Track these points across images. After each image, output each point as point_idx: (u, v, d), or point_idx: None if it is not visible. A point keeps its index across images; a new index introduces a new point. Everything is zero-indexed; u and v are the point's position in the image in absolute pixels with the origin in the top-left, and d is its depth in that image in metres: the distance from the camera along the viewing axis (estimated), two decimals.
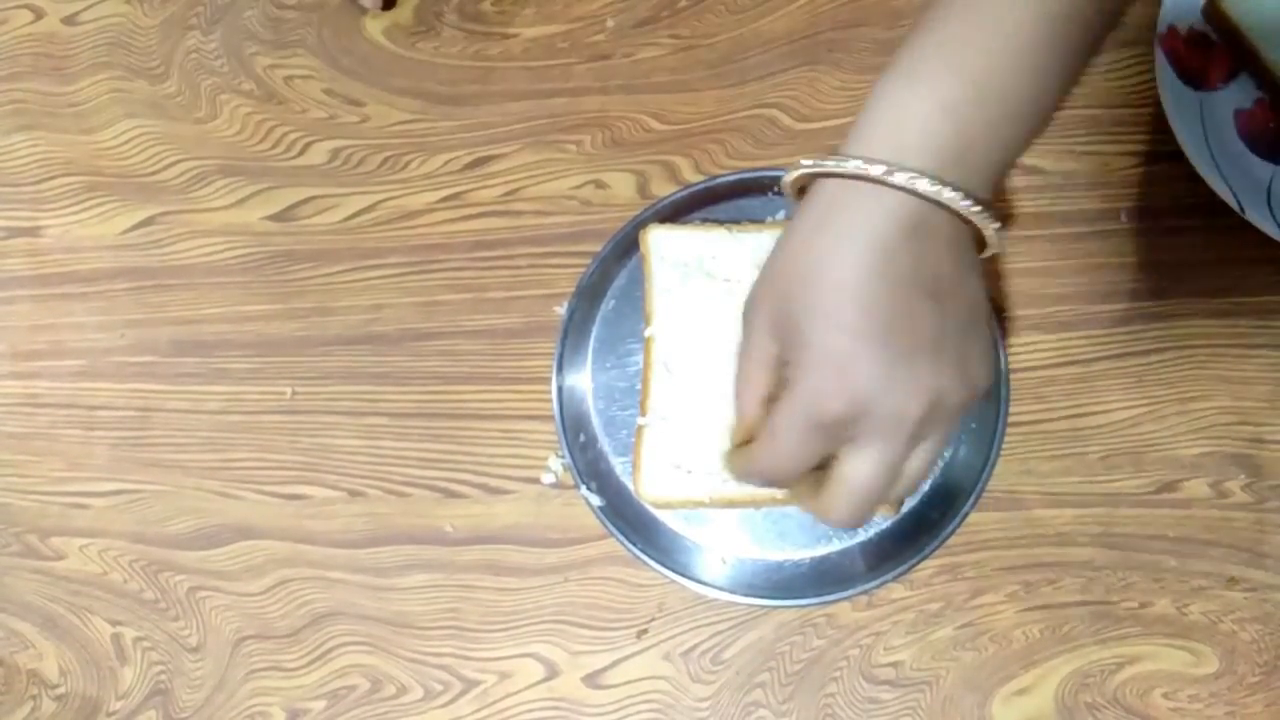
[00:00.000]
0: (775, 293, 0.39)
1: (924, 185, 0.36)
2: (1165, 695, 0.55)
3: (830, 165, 0.38)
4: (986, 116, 0.37)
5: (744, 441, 0.42)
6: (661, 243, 0.58)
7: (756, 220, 0.59)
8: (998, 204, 0.37)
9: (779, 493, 0.53)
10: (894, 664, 0.56)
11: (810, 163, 0.39)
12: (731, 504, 0.56)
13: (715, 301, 0.57)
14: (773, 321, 0.40)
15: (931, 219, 0.37)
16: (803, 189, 0.40)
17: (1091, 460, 0.57)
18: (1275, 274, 0.57)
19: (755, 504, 0.56)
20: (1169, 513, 0.56)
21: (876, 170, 0.36)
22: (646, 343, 0.57)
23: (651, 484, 0.56)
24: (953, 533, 0.55)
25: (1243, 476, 0.56)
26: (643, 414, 0.56)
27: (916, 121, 0.37)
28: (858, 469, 0.39)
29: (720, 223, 0.59)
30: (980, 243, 0.39)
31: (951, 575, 0.57)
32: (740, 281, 0.57)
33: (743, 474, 0.42)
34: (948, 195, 0.36)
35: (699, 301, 0.57)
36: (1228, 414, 0.57)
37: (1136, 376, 0.57)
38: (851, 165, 0.37)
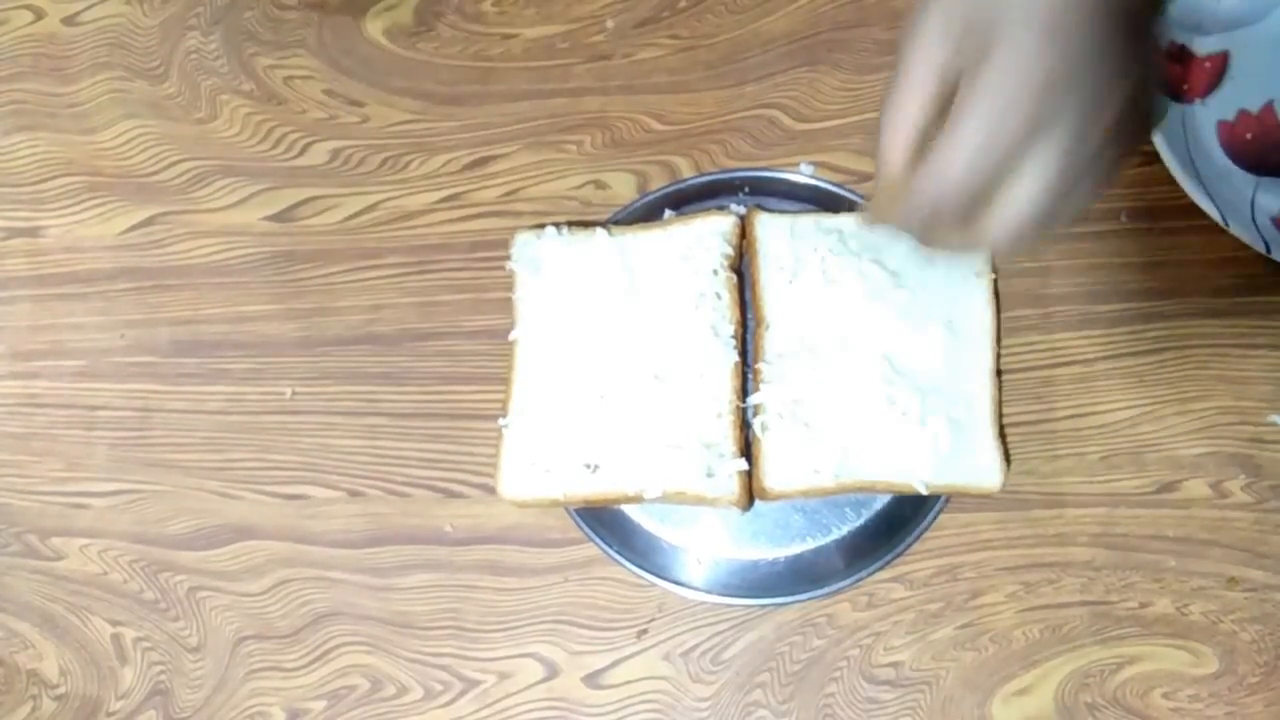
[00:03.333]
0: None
1: None
2: (1165, 695, 0.55)
3: None
4: None
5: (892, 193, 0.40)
6: (527, 247, 0.59)
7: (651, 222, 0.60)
8: None
9: (640, 490, 0.54)
10: (894, 664, 0.56)
11: None
12: (587, 502, 0.56)
13: (576, 306, 0.58)
14: (953, 28, 0.37)
15: None
16: None
17: (1091, 460, 0.57)
18: (1275, 274, 0.57)
19: (609, 502, 0.56)
20: (1169, 513, 0.56)
21: None
22: (511, 346, 0.58)
23: (511, 483, 0.56)
24: (928, 528, 0.55)
25: (1243, 476, 0.56)
26: (505, 415, 0.57)
27: None
28: (1040, 174, 0.37)
29: (598, 224, 0.60)
30: None
31: (951, 575, 0.57)
32: (605, 284, 0.58)
33: (907, 200, 0.39)
34: None
35: (561, 306, 0.58)
36: (1228, 414, 0.57)
37: (1136, 376, 0.57)
38: None
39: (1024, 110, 0.36)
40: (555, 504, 0.56)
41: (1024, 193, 0.37)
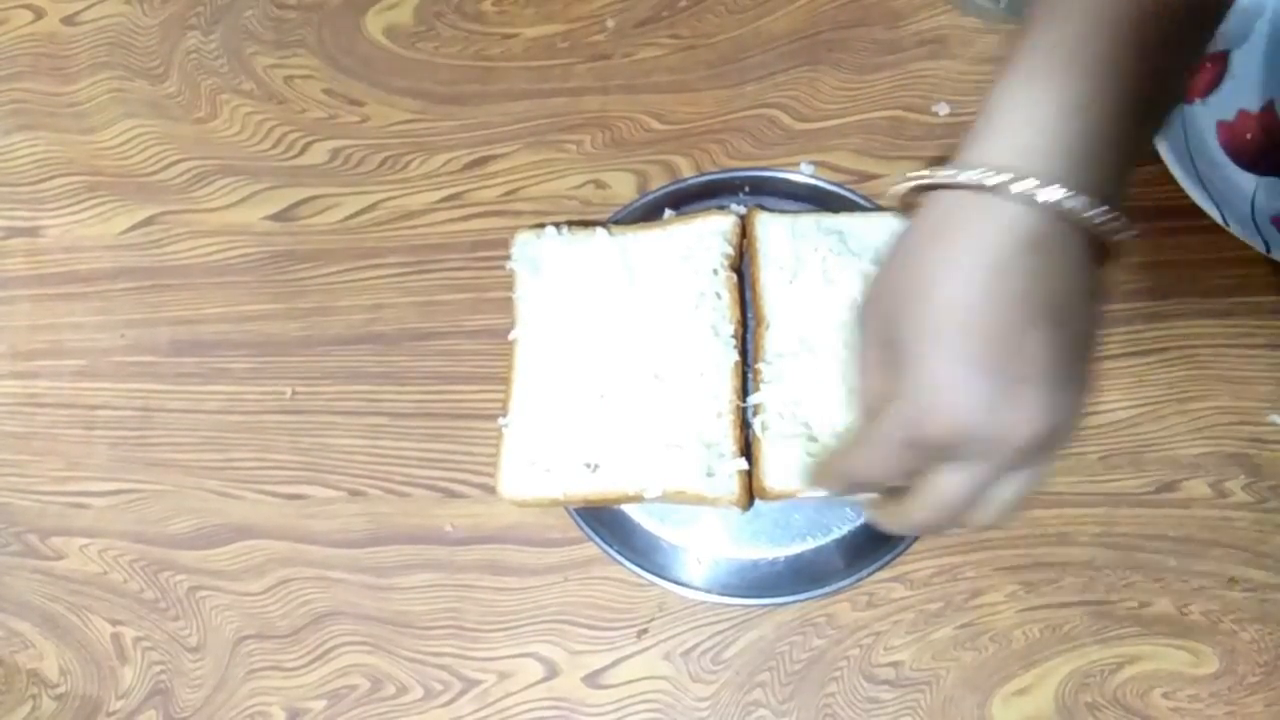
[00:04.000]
0: (882, 307, 0.37)
1: (1048, 193, 0.33)
2: (1165, 695, 0.55)
3: (943, 176, 0.35)
4: (1117, 111, 0.34)
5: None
6: (527, 247, 0.59)
7: (646, 221, 0.60)
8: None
9: (640, 490, 0.54)
10: (894, 664, 0.56)
11: (922, 174, 0.36)
12: (587, 502, 0.56)
13: (576, 305, 0.58)
14: (879, 335, 0.38)
15: (1054, 233, 0.34)
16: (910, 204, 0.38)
17: (1091, 460, 0.57)
18: (1275, 274, 0.57)
19: (609, 501, 0.56)
20: (1169, 513, 0.56)
21: (993, 179, 0.33)
22: (511, 346, 0.58)
23: (511, 483, 0.56)
24: None
25: (1243, 476, 0.56)
26: (505, 415, 0.57)
27: (1042, 123, 0.34)
28: (945, 483, 0.37)
29: (598, 223, 0.60)
30: (1102, 256, 0.36)
31: (951, 575, 0.57)
32: (605, 284, 0.58)
33: (828, 474, 0.42)
34: (1074, 202, 0.33)
35: (561, 305, 0.58)
36: (1228, 414, 0.57)
37: (1136, 376, 0.57)
38: (965, 175, 0.34)
39: (916, 455, 0.37)
40: (555, 504, 0.56)
41: (932, 487, 0.38)
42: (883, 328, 0.37)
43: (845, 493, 0.42)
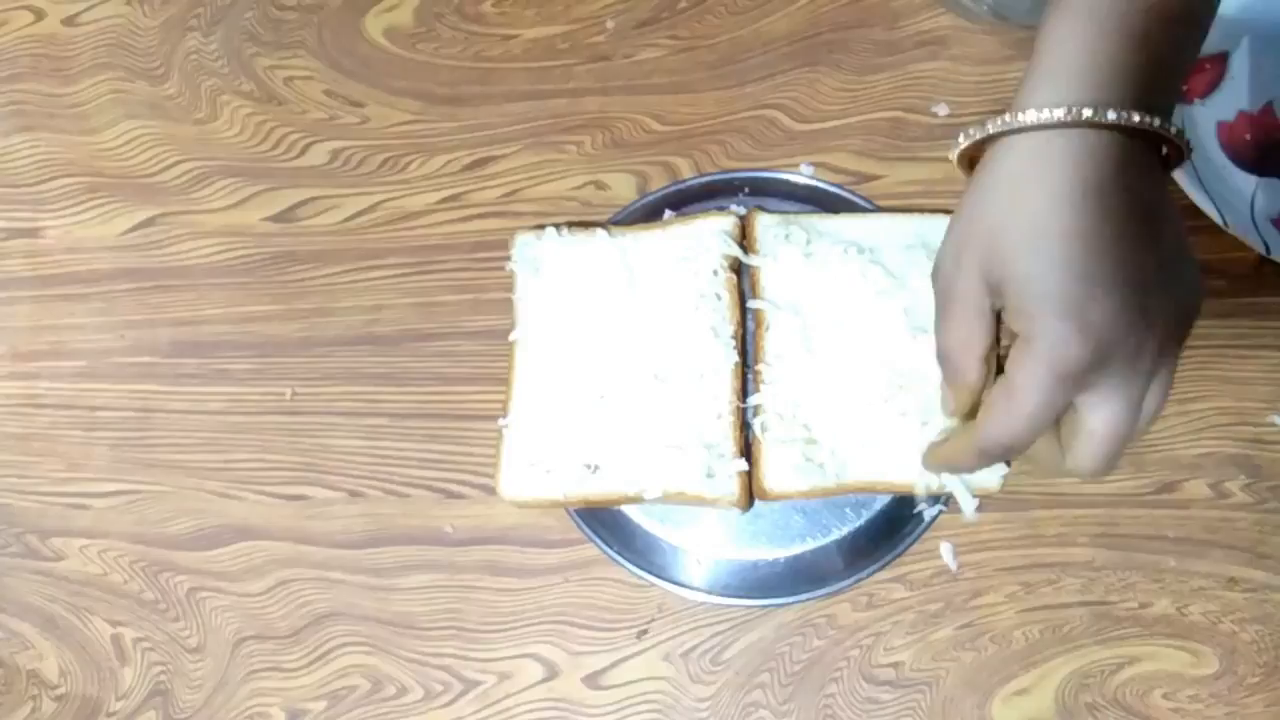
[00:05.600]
0: (986, 251, 0.39)
1: (1128, 119, 0.36)
2: (1165, 695, 0.55)
3: (1029, 119, 0.37)
4: (1172, 36, 0.37)
5: (968, 413, 0.41)
6: (527, 248, 0.59)
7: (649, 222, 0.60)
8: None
9: (640, 491, 0.54)
10: (894, 664, 0.56)
11: (1000, 121, 0.38)
12: (587, 503, 0.56)
13: (576, 307, 0.58)
14: (987, 278, 0.39)
15: (1136, 150, 0.37)
16: (973, 160, 0.40)
17: None
18: (1275, 274, 0.57)
19: (609, 503, 0.56)
20: (1169, 513, 0.56)
21: (1074, 114, 0.36)
22: (511, 346, 0.58)
23: (511, 484, 0.56)
24: (927, 528, 0.55)
25: (1243, 476, 0.56)
26: (505, 416, 0.57)
27: (1107, 57, 0.37)
28: (1107, 417, 0.38)
29: (598, 224, 0.60)
30: (1168, 163, 0.40)
31: (951, 575, 0.57)
32: (606, 285, 0.58)
33: (975, 450, 0.41)
34: (1154, 124, 0.36)
35: (561, 306, 0.58)
36: (1228, 414, 0.57)
37: None
38: (1044, 115, 0.36)
39: (1067, 386, 0.38)
40: (555, 504, 0.56)
41: (1095, 428, 0.39)
42: (989, 272, 0.39)
43: (987, 465, 0.42)
